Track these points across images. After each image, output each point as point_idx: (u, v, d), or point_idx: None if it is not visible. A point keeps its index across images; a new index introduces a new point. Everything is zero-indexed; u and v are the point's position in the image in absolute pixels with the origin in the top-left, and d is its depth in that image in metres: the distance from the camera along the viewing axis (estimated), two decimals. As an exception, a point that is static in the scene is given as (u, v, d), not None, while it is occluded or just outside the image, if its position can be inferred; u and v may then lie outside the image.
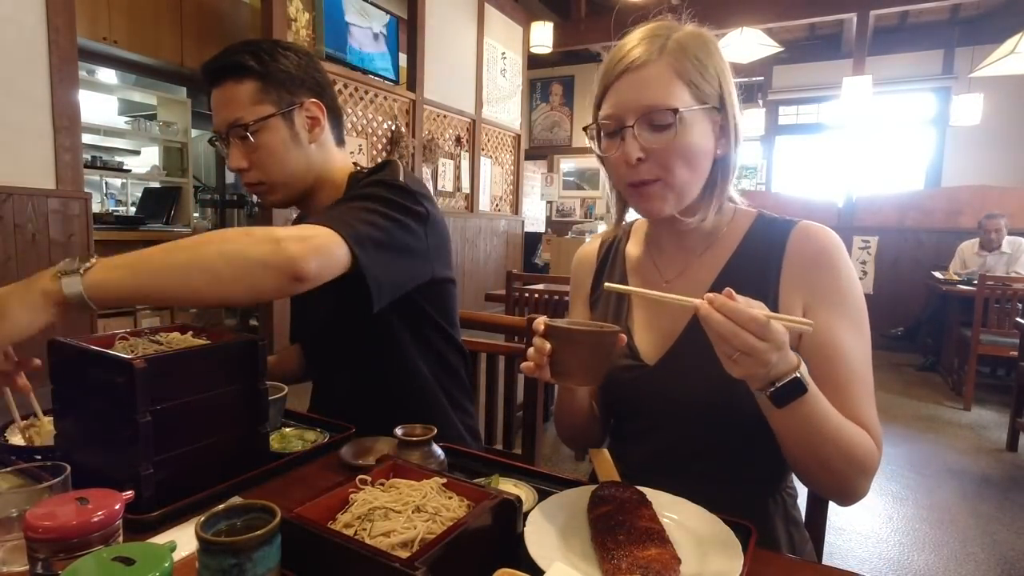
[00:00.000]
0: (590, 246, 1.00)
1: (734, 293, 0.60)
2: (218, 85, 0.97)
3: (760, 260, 0.80)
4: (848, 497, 0.74)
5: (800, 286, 0.77)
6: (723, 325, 0.59)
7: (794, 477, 0.87)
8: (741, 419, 0.73)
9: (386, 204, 0.90)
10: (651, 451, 0.86)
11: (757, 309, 0.59)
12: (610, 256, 0.96)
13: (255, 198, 4.72)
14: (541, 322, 0.70)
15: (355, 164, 1.11)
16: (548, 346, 0.68)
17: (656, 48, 0.74)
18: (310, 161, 1.02)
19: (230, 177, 5.81)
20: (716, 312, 0.59)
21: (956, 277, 4.28)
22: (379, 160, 1.20)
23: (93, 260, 0.70)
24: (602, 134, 0.79)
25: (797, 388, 0.63)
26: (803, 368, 0.64)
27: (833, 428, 0.68)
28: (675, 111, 0.72)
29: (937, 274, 4.49)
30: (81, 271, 0.69)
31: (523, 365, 0.72)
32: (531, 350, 0.70)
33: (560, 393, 0.90)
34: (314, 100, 1.01)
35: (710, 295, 0.61)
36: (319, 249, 0.77)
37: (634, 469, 0.87)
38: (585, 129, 0.82)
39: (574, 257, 1.02)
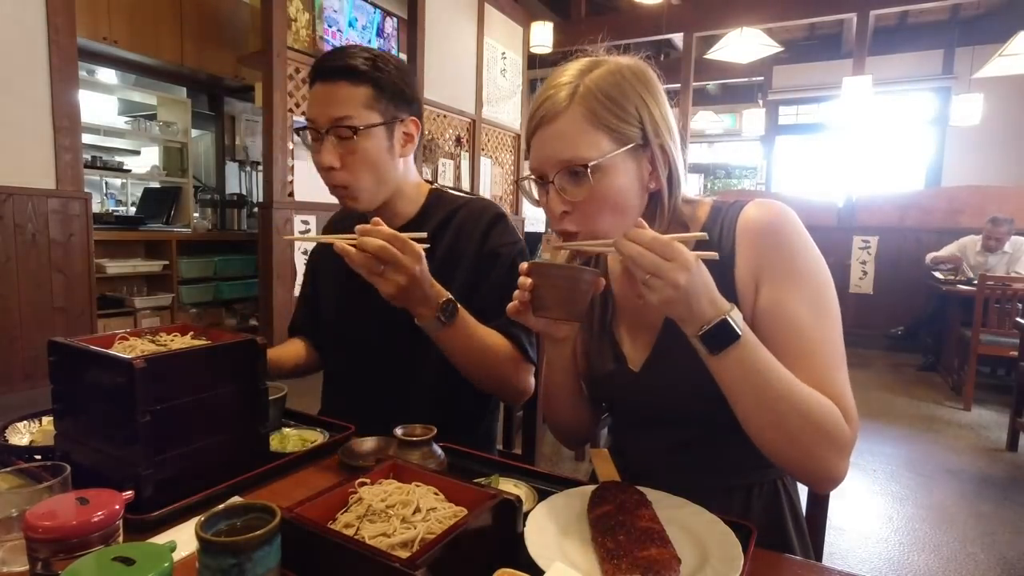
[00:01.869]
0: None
1: (644, 223, 0.64)
2: (331, 81, 0.98)
3: (716, 247, 0.77)
4: (822, 476, 0.70)
5: (751, 264, 0.75)
6: (630, 248, 0.62)
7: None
8: (730, 416, 0.73)
9: None
10: (649, 447, 0.87)
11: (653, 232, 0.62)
12: (593, 264, 0.94)
13: (256, 198, 4.72)
14: (526, 263, 0.75)
15: (429, 182, 1.17)
16: (530, 282, 0.73)
17: (567, 95, 0.72)
18: (396, 174, 1.06)
19: (230, 177, 5.82)
20: (626, 240, 0.62)
21: (952, 277, 4.28)
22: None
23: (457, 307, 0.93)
24: (531, 184, 0.80)
25: (726, 330, 0.63)
26: (735, 314, 0.64)
27: (784, 385, 0.66)
28: (585, 165, 0.71)
29: (937, 274, 4.49)
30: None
31: (509, 306, 0.76)
32: (516, 291, 0.75)
33: (546, 373, 0.91)
34: (413, 119, 1.07)
35: (617, 239, 0.63)
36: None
37: (636, 463, 0.88)
38: (517, 182, 0.83)
39: None
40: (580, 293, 0.72)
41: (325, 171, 1.01)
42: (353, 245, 0.82)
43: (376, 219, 0.84)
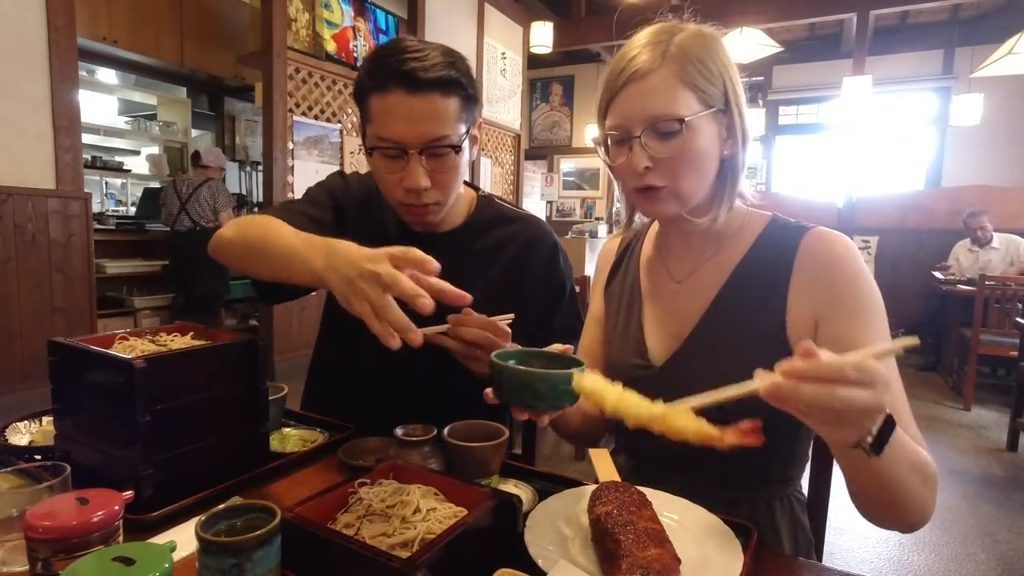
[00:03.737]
0: (612, 242, 1.02)
1: (814, 348, 0.49)
2: (421, 93, 0.86)
3: (770, 266, 0.79)
4: (920, 520, 0.67)
5: (810, 295, 0.75)
6: (816, 395, 0.48)
7: (803, 481, 0.87)
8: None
9: None
10: (660, 449, 0.85)
11: (832, 356, 0.49)
12: (627, 254, 0.97)
13: (258, 200, 4.70)
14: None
15: (471, 185, 1.13)
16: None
17: (659, 55, 0.73)
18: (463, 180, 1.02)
19: (230, 177, 5.82)
20: (802, 383, 0.48)
21: (953, 276, 4.28)
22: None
23: None
24: (609, 142, 0.79)
25: (889, 427, 0.54)
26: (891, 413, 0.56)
27: (915, 456, 0.62)
28: (681, 120, 0.72)
29: (937, 274, 4.49)
30: None
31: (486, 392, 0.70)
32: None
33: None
34: (480, 119, 1.01)
35: (786, 367, 0.49)
36: None
37: (645, 464, 0.87)
38: (594, 140, 0.82)
39: (600, 249, 1.06)
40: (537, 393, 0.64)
41: (413, 192, 0.91)
42: (444, 333, 0.82)
43: (467, 309, 0.79)
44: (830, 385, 0.47)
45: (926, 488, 0.64)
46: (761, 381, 0.51)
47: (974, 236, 4.35)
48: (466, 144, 0.94)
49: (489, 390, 0.68)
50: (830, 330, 0.73)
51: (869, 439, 0.53)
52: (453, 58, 0.91)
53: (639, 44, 0.75)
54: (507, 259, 1.06)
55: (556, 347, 0.75)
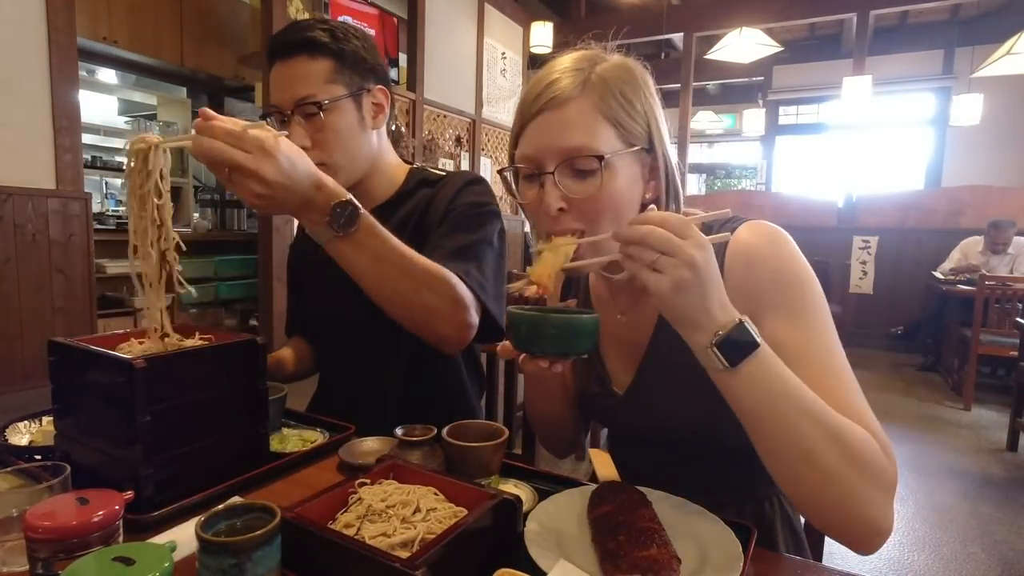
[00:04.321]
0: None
1: (213, 113, 0.58)
2: (287, 58, 0.94)
3: None
4: (868, 525, 0.61)
5: (744, 292, 0.68)
6: (635, 229, 0.55)
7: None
8: (719, 438, 0.72)
9: (500, 240, 1.01)
10: (641, 464, 0.85)
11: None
12: (575, 288, 0.92)
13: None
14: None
15: (409, 162, 1.12)
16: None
17: (578, 83, 0.67)
18: (370, 148, 1.02)
19: (230, 177, 5.81)
20: (631, 224, 0.56)
21: (953, 276, 4.27)
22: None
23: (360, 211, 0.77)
24: (520, 176, 0.73)
25: (745, 337, 0.56)
26: (747, 319, 0.57)
27: (811, 405, 0.58)
28: (600, 157, 0.65)
29: (937, 274, 4.49)
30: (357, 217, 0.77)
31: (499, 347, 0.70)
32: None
33: (528, 401, 0.90)
34: (381, 87, 1.02)
35: (617, 231, 0.58)
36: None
37: (631, 477, 0.87)
38: (500, 172, 0.75)
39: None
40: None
41: None
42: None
43: (207, 110, 0.70)
44: (648, 226, 0.55)
45: (852, 467, 0.57)
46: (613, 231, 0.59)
47: (992, 245, 4.32)
48: (347, 105, 0.96)
49: (506, 342, 0.67)
50: (766, 325, 0.66)
51: (715, 340, 0.56)
52: (331, 28, 0.96)
53: (559, 69, 0.69)
54: (423, 207, 1.04)
55: (571, 303, 0.75)
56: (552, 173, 0.67)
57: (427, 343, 0.90)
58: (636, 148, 0.69)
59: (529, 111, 0.70)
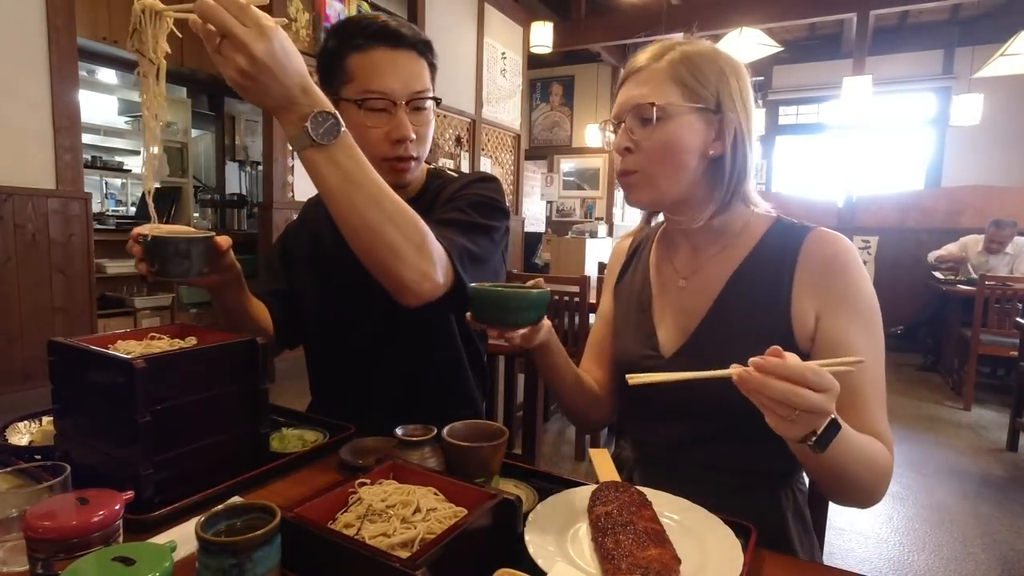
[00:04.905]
0: (623, 242, 1.06)
1: (781, 350, 0.58)
2: (401, 48, 0.96)
3: (774, 264, 0.81)
4: (870, 503, 0.75)
5: (812, 292, 0.78)
6: (778, 389, 0.56)
7: (805, 474, 0.88)
8: (756, 416, 0.73)
9: (501, 236, 1.00)
10: (666, 438, 0.88)
11: (797, 359, 0.58)
12: (637, 253, 1.00)
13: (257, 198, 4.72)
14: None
15: (429, 165, 1.15)
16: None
17: (659, 55, 0.81)
18: None
19: (230, 177, 5.82)
20: (768, 378, 0.57)
21: (953, 277, 4.28)
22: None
23: (342, 128, 0.72)
24: (613, 131, 0.86)
25: (834, 428, 0.61)
26: (836, 415, 0.62)
27: (862, 450, 0.68)
28: (653, 105, 0.78)
29: (937, 274, 4.49)
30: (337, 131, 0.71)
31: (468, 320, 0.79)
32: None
33: (539, 369, 0.94)
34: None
35: (756, 360, 0.58)
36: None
37: (650, 456, 0.89)
38: (605, 126, 0.89)
39: (612, 248, 1.09)
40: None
41: (400, 143, 0.95)
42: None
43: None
44: (792, 384, 0.56)
45: (873, 475, 0.71)
46: (735, 370, 0.60)
47: (988, 243, 4.32)
48: (433, 108, 1.02)
49: (468, 314, 0.78)
50: (828, 324, 0.77)
51: (814, 438, 0.60)
52: (422, 32, 1.01)
53: (647, 50, 0.82)
54: (437, 204, 1.03)
55: (538, 282, 0.81)
56: (624, 121, 0.81)
57: (389, 291, 0.83)
58: (700, 106, 0.78)
59: (621, 80, 0.85)
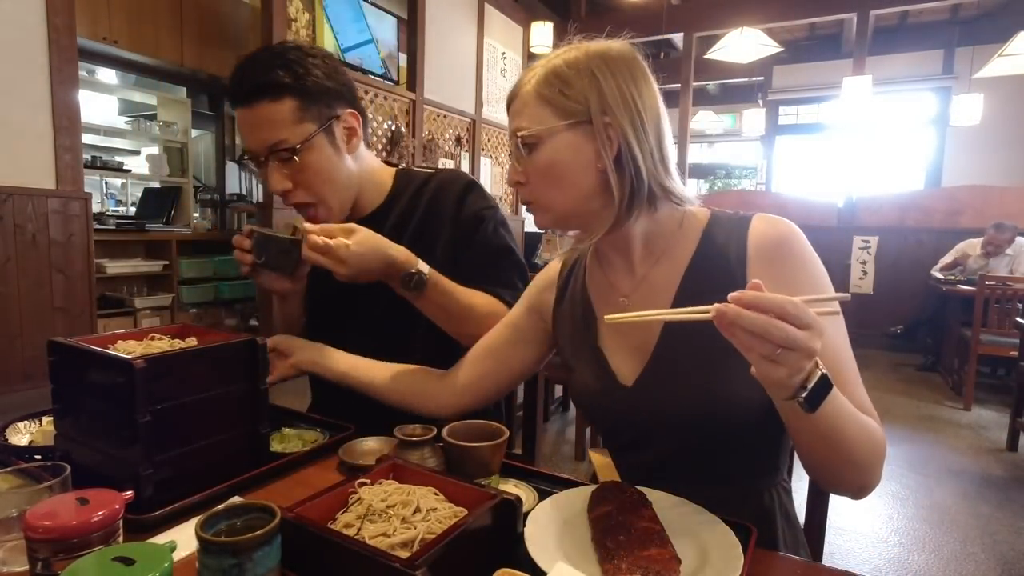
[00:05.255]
0: (552, 267, 0.98)
1: (761, 284, 0.55)
2: (251, 105, 0.92)
3: (723, 257, 0.78)
4: (865, 489, 0.71)
5: (769, 281, 0.69)
6: (757, 321, 0.53)
7: (787, 473, 0.87)
8: (727, 427, 0.73)
9: (510, 235, 1.11)
10: (639, 462, 0.85)
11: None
12: (571, 277, 0.93)
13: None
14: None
15: (394, 164, 1.15)
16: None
17: (527, 79, 0.78)
18: (351, 171, 1.02)
19: (230, 177, 5.82)
20: (745, 310, 0.53)
21: (953, 277, 4.28)
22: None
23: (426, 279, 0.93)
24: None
25: (826, 384, 0.57)
26: (823, 366, 0.58)
27: (857, 417, 0.65)
28: (522, 133, 0.76)
29: (937, 274, 4.49)
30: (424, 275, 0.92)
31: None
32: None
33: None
34: (351, 111, 1.01)
35: (734, 294, 0.55)
36: None
37: (630, 477, 0.87)
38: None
39: (537, 277, 1.00)
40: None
41: (281, 195, 0.98)
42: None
43: (307, 224, 0.89)
44: (771, 317, 0.53)
45: (870, 446, 0.66)
46: (715, 308, 0.55)
47: (986, 245, 4.31)
48: (320, 140, 0.95)
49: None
50: None
51: (804, 394, 0.56)
52: (285, 60, 0.92)
53: (529, 67, 0.80)
54: (421, 212, 1.07)
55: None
56: (511, 154, 0.79)
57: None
58: (571, 121, 0.74)
59: (506, 106, 0.82)
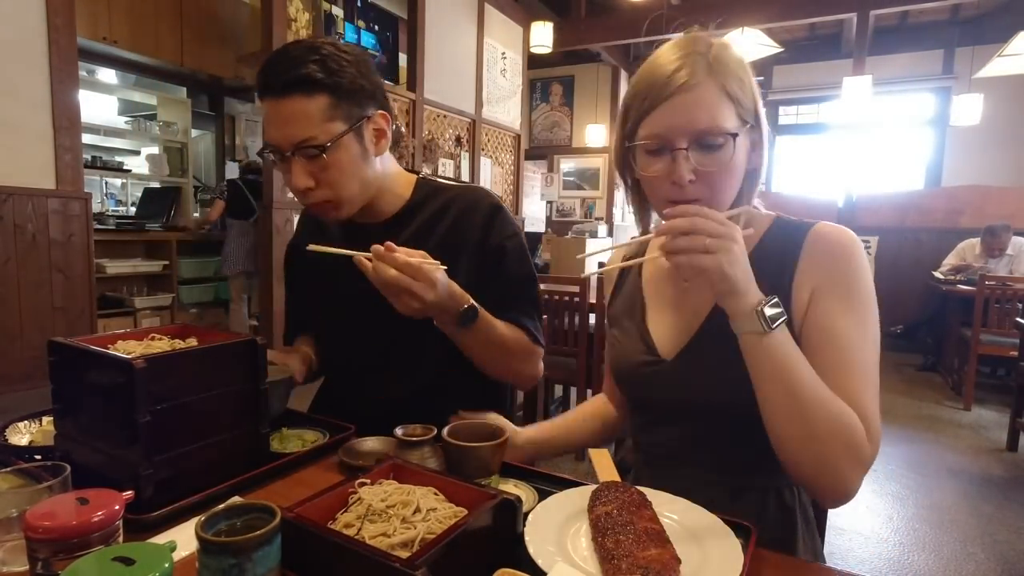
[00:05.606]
0: (612, 267, 1.04)
1: (393, 245, 0.66)
2: (283, 97, 0.89)
3: (776, 260, 0.80)
4: (834, 488, 0.70)
5: (813, 276, 0.78)
6: (682, 220, 0.67)
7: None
8: (756, 416, 0.73)
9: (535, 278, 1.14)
10: (666, 441, 0.87)
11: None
12: (627, 271, 0.99)
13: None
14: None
15: (415, 171, 1.13)
16: None
17: (702, 68, 0.74)
18: (375, 173, 1.00)
19: (230, 177, 5.82)
20: (670, 216, 0.68)
21: (952, 277, 4.27)
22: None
23: (478, 313, 0.94)
24: (641, 152, 0.79)
25: (779, 307, 0.68)
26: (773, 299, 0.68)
27: (815, 383, 0.69)
28: (730, 135, 0.74)
29: (937, 274, 4.49)
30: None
31: None
32: None
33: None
34: (381, 112, 0.98)
35: (376, 246, 0.71)
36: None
37: (650, 456, 0.89)
38: (623, 147, 0.82)
39: (604, 272, 1.08)
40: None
41: (301, 193, 0.94)
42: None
43: (388, 243, 0.83)
44: (692, 216, 0.67)
45: (837, 442, 0.68)
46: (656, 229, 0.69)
47: (989, 251, 4.31)
48: (349, 140, 0.92)
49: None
50: (819, 306, 0.76)
51: (760, 307, 0.67)
52: (320, 55, 0.90)
53: (676, 56, 0.75)
54: (444, 229, 1.06)
55: None
56: (685, 149, 0.74)
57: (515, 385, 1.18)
58: (749, 125, 0.77)
59: (659, 95, 0.75)
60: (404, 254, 0.82)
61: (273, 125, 0.91)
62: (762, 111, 0.79)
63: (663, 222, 0.69)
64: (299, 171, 0.92)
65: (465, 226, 1.05)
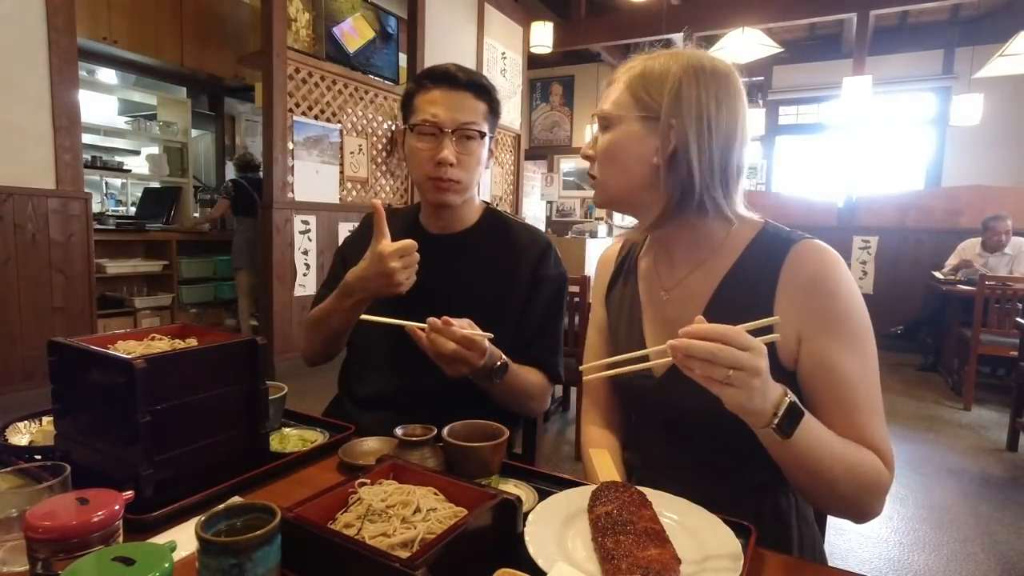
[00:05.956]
0: (612, 248, 1.04)
1: (702, 318, 0.63)
2: (460, 89, 1.09)
3: (757, 277, 0.79)
4: (861, 516, 0.74)
5: (795, 313, 0.75)
6: (705, 347, 0.59)
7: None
8: (746, 431, 0.73)
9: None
10: (664, 450, 0.88)
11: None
12: (627, 261, 0.98)
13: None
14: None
15: (485, 202, 1.26)
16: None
17: (626, 68, 0.83)
18: (478, 182, 1.18)
19: (230, 177, 5.82)
20: (694, 340, 0.60)
21: (953, 276, 4.27)
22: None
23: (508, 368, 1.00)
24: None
25: (796, 411, 0.65)
26: (792, 395, 0.65)
27: (836, 450, 0.69)
28: (603, 114, 0.82)
29: (937, 274, 4.49)
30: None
31: None
32: None
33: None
34: (495, 139, 1.20)
35: (684, 329, 0.62)
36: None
37: (650, 464, 0.89)
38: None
39: (599, 257, 1.07)
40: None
41: (440, 166, 1.07)
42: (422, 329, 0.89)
43: (446, 318, 0.88)
44: (714, 344, 0.59)
45: (854, 481, 0.70)
46: (670, 344, 0.62)
47: (991, 241, 4.30)
48: (486, 143, 1.13)
49: None
50: (811, 348, 0.75)
51: (776, 420, 0.64)
52: (485, 78, 1.14)
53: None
54: (505, 260, 1.17)
55: None
56: (591, 126, 0.88)
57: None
58: (642, 115, 0.79)
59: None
60: (457, 326, 0.88)
61: (441, 107, 1.08)
62: (693, 115, 0.76)
63: (675, 340, 0.62)
64: (450, 146, 1.08)
65: (522, 261, 1.17)
